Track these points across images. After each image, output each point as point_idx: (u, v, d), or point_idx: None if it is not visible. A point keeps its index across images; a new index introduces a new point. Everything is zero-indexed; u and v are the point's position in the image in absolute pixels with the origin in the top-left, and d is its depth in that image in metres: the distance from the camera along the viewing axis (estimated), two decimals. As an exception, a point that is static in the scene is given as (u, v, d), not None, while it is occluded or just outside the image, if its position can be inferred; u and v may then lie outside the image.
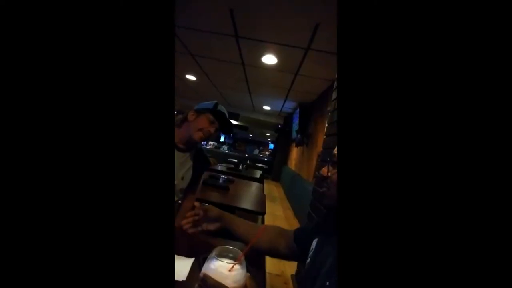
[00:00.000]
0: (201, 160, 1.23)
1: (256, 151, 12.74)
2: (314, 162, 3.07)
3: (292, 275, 1.79)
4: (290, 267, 1.90)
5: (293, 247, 0.68)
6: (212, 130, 1.07)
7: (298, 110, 4.12)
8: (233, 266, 0.40)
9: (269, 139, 13.30)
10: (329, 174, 0.55)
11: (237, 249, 0.43)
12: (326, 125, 1.70)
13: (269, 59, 2.51)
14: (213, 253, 0.41)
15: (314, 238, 0.62)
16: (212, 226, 0.71)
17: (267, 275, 1.65)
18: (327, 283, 0.49)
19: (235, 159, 6.59)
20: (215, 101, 1.12)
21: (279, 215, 3.28)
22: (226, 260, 0.41)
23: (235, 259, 0.42)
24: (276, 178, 6.11)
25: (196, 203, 0.73)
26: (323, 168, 0.57)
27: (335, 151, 0.56)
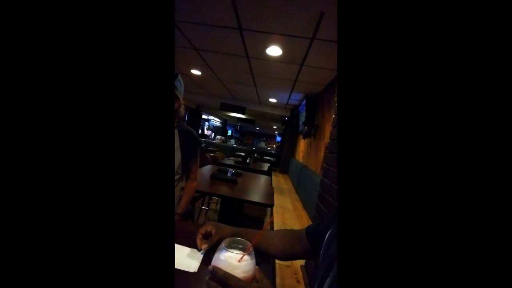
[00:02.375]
0: (189, 140, 1.24)
1: (262, 143, 12.77)
2: (322, 154, 3.06)
3: (301, 266, 1.82)
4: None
5: (307, 246, 0.68)
6: (176, 105, 1.07)
7: (304, 101, 4.08)
8: (242, 257, 0.41)
9: (276, 132, 13.27)
10: None
11: (246, 240, 0.44)
12: (333, 116, 1.68)
13: (274, 51, 2.48)
14: (223, 245, 0.42)
15: (326, 233, 0.62)
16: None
17: (276, 266, 1.68)
18: None
19: (243, 152, 6.61)
20: None
21: (288, 207, 3.30)
22: (236, 251, 0.42)
23: (244, 250, 0.43)
24: (284, 171, 6.12)
25: (210, 223, 0.71)
26: None
27: None
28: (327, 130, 2.95)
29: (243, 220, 2.61)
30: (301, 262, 1.85)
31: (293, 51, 2.40)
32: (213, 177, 2.04)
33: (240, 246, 0.44)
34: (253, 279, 0.42)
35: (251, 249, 0.43)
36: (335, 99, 1.77)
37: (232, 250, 0.42)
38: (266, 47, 2.41)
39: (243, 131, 15.44)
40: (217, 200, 3.06)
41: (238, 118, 8.41)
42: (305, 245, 0.69)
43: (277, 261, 1.66)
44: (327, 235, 0.62)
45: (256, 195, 1.81)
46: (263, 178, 2.55)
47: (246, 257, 0.41)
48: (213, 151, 4.70)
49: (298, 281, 1.66)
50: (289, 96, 4.51)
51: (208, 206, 2.78)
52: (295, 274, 1.75)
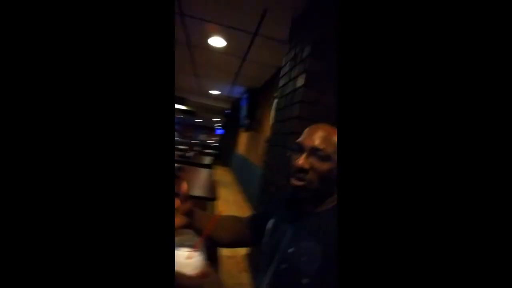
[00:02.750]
0: None
1: (202, 137, 12.48)
2: (262, 147, 3.19)
3: (245, 255, 1.88)
4: (242, 248, 1.98)
5: (250, 234, 0.69)
6: None
7: (246, 95, 4.15)
8: (191, 254, 0.41)
9: (218, 124, 13.12)
10: (309, 166, 0.51)
11: (194, 238, 0.44)
12: (273, 111, 1.77)
13: (217, 42, 2.43)
14: None
15: (268, 222, 0.64)
16: (179, 221, 0.59)
17: (220, 257, 1.69)
18: (289, 250, 0.51)
19: (183, 145, 6.33)
20: None
21: (231, 200, 3.35)
22: (184, 249, 0.41)
23: (192, 246, 0.43)
24: (226, 164, 6.14)
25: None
26: (300, 160, 0.52)
27: (318, 142, 0.52)
28: (267, 124, 3.08)
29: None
30: (244, 251, 1.91)
31: (237, 44, 2.40)
32: (150, 172, 1.90)
33: (189, 243, 0.43)
34: (203, 274, 0.42)
35: (200, 244, 0.42)
36: (275, 94, 1.87)
37: (181, 248, 0.41)
38: (209, 36, 2.33)
39: (184, 123, 14.73)
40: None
41: (178, 109, 7.96)
42: (248, 232, 0.70)
43: (221, 252, 1.67)
44: (269, 223, 0.65)
45: (199, 189, 1.77)
46: (205, 172, 2.50)
47: (194, 254, 0.41)
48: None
49: (242, 271, 1.72)
50: (231, 89, 4.51)
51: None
52: (238, 264, 1.81)
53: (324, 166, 0.50)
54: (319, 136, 0.52)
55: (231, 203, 3.24)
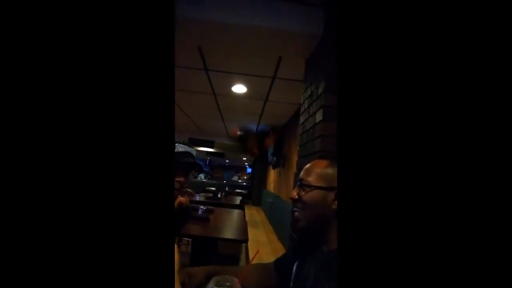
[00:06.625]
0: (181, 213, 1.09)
1: (236, 177, 12.60)
2: (292, 183, 3.14)
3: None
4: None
5: (276, 279, 0.69)
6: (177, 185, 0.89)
7: (271, 133, 4.27)
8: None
9: (246, 163, 13.29)
10: (297, 196, 0.58)
11: (233, 277, 0.46)
12: (298, 147, 1.80)
13: (239, 89, 2.64)
14: (211, 284, 0.43)
15: (294, 263, 0.64)
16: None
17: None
18: None
19: (213, 187, 6.45)
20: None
21: (263, 241, 3.23)
22: None
23: (232, 287, 0.44)
24: (257, 203, 6.05)
25: (181, 272, 0.63)
26: (293, 191, 0.60)
27: (302, 174, 0.60)
28: (295, 159, 3.09)
29: (218, 260, 2.48)
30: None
31: (257, 88, 2.59)
32: (184, 216, 1.96)
33: (228, 284, 0.45)
34: None
35: (239, 285, 0.44)
36: (299, 130, 1.93)
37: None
38: (232, 85, 2.56)
39: (213, 164, 15.22)
40: (188, 241, 2.88)
41: (207, 152, 8.34)
42: (274, 278, 0.69)
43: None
44: (295, 266, 0.64)
45: (229, 232, 1.77)
46: (236, 213, 2.51)
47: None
48: (182, 188, 4.50)
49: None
50: (257, 128, 4.69)
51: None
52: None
53: (304, 193, 0.57)
54: (303, 169, 0.61)
55: (263, 244, 3.12)
